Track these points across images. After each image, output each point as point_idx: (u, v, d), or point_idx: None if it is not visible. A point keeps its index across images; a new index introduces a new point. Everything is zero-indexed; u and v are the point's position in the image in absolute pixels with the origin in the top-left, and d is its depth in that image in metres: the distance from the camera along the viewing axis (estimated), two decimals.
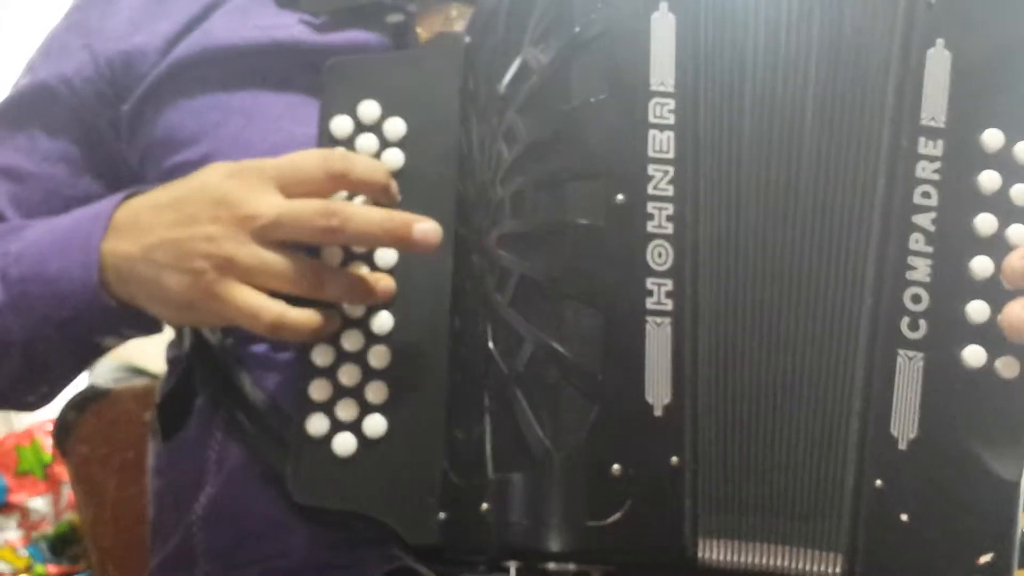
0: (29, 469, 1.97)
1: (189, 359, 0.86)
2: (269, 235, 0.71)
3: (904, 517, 0.68)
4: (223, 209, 0.71)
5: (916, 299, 0.69)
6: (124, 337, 0.85)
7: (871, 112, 0.71)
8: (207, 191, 0.73)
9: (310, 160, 0.72)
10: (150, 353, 0.91)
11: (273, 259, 0.71)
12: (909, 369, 0.69)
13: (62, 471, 1.89)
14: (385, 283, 0.74)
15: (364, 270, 0.74)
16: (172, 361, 0.90)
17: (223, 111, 0.86)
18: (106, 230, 0.77)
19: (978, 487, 0.68)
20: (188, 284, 0.72)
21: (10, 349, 0.82)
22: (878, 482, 0.68)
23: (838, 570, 0.68)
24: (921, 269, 0.69)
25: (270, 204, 0.71)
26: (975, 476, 0.68)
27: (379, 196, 0.74)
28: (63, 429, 1.12)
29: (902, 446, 0.68)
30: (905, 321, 0.69)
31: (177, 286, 0.72)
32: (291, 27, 0.86)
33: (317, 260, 0.73)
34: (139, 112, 0.89)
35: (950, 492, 0.68)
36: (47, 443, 1.96)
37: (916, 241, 0.69)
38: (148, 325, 0.83)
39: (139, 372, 1.31)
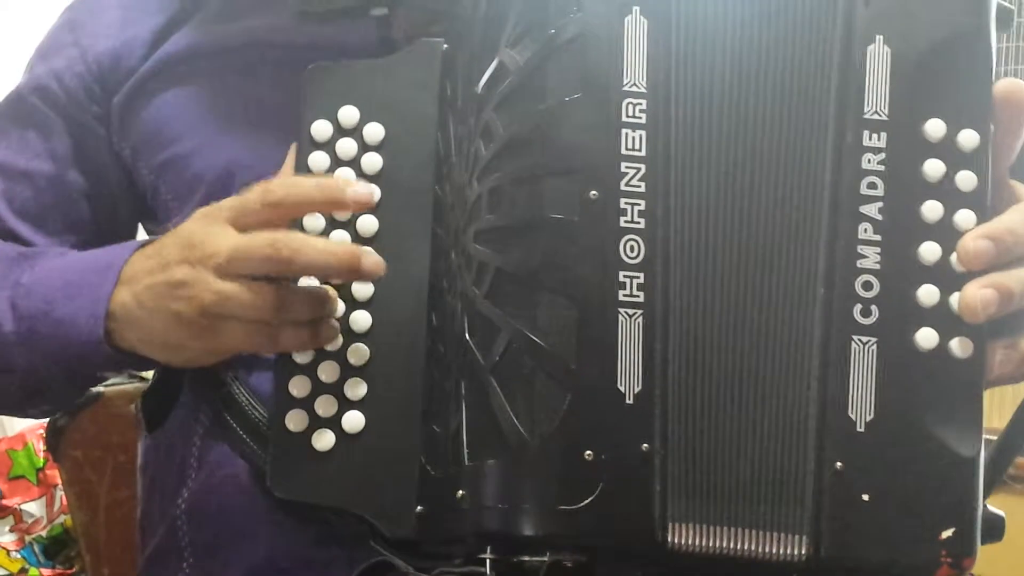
0: (22, 473, 1.98)
1: None
2: (228, 270, 0.71)
3: (865, 497, 0.69)
4: (189, 251, 0.73)
5: (867, 286, 0.71)
6: (126, 373, 0.87)
7: (818, 110, 0.72)
8: (180, 235, 0.75)
9: (251, 194, 0.73)
10: None
11: (237, 292, 0.71)
12: (863, 354, 0.70)
13: (55, 475, 1.90)
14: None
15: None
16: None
17: (211, 106, 0.87)
18: (116, 283, 0.78)
19: (936, 464, 0.70)
20: (173, 327, 0.74)
21: (11, 375, 0.84)
22: (838, 464, 0.70)
23: (803, 552, 0.69)
24: (871, 257, 0.71)
25: (224, 242, 0.72)
26: (933, 454, 0.70)
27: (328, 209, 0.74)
28: (55, 433, 1.11)
29: (860, 428, 0.70)
30: (857, 308, 0.70)
31: (164, 329, 0.74)
32: (275, 24, 0.88)
33: (278, 285, 0.72)
34: (129, 106, 0.91)
35: (909, 470, 0.70)
36: (40, 447, 1.97)
37: (865, 230, 0.71)
38: (149, 364, 0.84)
39: (131, 376, 1.31)
